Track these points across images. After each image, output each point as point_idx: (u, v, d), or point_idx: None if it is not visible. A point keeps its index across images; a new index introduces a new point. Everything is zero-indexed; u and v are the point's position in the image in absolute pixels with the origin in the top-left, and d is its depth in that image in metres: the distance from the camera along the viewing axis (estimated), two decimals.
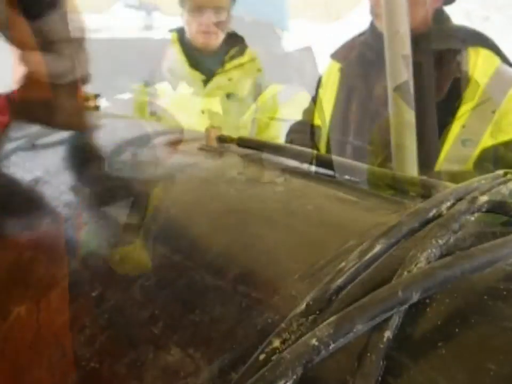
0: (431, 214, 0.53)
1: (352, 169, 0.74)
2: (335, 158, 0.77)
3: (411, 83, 1.12)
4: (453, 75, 1.66)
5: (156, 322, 0.59)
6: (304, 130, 2.03)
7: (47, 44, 1.02)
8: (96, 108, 1.45)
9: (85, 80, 1.16)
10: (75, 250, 0.77)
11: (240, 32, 2.44)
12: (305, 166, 0.80)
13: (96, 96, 1.44)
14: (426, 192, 0.64)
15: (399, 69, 1.10)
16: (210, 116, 2.31)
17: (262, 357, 0.45)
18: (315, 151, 0.80)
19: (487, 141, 1.62)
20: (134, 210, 0.79)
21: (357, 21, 1.90)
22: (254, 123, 2.45)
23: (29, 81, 1.04)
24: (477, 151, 1.64)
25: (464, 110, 1.63)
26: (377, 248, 0.50)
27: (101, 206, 0.84)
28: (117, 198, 0.84)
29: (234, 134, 0.96)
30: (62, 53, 1.03)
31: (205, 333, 0.55)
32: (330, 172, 0.77)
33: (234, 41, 2.41)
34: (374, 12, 1.79)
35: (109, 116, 1.37)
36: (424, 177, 0.67)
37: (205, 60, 2.36)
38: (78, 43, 1.08)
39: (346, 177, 0.74)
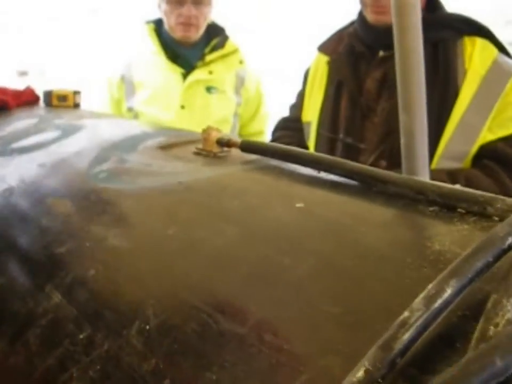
0: (506, 244, 0.42)
1: (381, 180, 0.63)
2: (360, 166, 0.65)
3: (423, 79, 1.03)
4: (449, 66, 1.58)
5: (161, 379, 0.47)
6: (292, 127, 1.95)
7: None
8: (76, 105, 1.36)
9: None
10: (57, 279, 0.65)
11: None
12: (323, 175, 0.69)
13: (76, 93, 1.34)
14: (479, 208, 0.54)
15: (410, 64, 1.00)
16: (191, 110, 2.21)
17: None
18: (336, 158, 0.69)
19: (485, 136, 1.55)
20: (124, 230, 0.68)
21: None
22: (237, 118, 2.36)
23: None
24: (474, 147, 1.56)
25: (461, 104, 1.55)
26: (448, 292, 0.39)
27: (85, 224, 0.72)
28: (102, 215, 0.72)
29: None
30: None
31: None
32: (354, 182, 0.66)
33: (215, 32, 2.31)
34: (363, 1, 1.70)
35: (89, 114, 1.25)
36: (477, 191, 0.56)
37: (184, 52, 2.26)
38: None
39: (375, 189, 0.64)
